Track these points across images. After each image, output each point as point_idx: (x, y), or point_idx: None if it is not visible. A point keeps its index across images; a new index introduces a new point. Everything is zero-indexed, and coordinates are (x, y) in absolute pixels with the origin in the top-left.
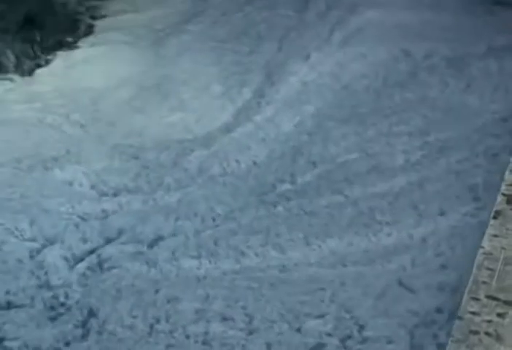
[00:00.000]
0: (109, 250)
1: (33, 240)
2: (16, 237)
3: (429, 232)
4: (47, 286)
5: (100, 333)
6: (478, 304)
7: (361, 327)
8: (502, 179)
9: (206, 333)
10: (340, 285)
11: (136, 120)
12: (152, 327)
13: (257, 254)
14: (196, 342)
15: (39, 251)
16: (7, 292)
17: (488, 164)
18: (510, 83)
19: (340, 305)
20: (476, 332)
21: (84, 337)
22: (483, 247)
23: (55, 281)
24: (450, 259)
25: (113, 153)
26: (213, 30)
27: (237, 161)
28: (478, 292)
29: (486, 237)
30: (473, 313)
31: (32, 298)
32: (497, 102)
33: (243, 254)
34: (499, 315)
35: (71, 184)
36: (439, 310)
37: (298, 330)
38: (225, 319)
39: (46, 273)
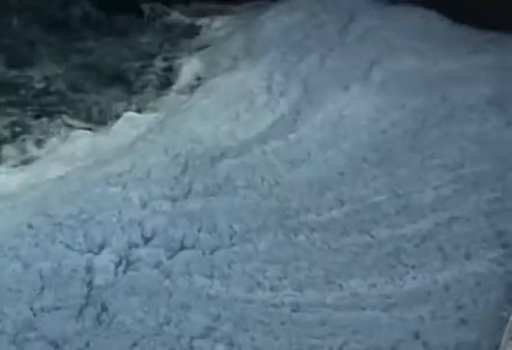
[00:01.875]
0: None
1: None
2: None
3: (453, 277)
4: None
5: (109, 324)
6: None
7: None
8: None
9: None
10: (352, 333)
11: (197, 128)
12: (161, 326)
13: (272, 288)
14: None
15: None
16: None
17: None
18: None
19: None
20: None
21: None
22: None
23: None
24: (470, 314)
25: (169, 164)
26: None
27: (262, 178)
28: None
29: None
30: None
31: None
32: None
33: (258, 284)
34: None
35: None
36: None
37: None
38: (231, 344)
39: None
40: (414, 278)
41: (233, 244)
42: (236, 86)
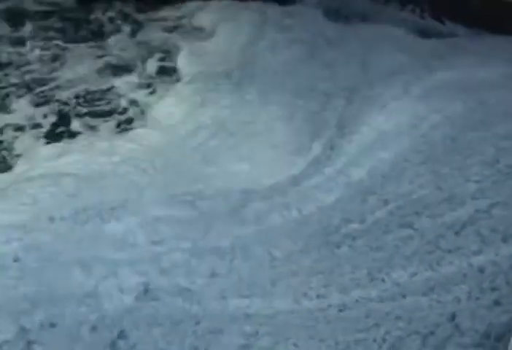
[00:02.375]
0: (160, 282)
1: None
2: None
3: (489, 260)
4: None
5: None
6: None
7: None
8: None
9: None
10: (395, 320)
11: (203, 167)
12: None
13: (318, 296)
14: None
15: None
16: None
17: None
18: None
19: (391, 345)
20: None
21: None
22: None
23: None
24: (504, 296)
25: (172, 201)
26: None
27: (299, 209)
28: None
29: None
30: None
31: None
32: None
33: (304, 294)
34: None
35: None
36: None
37: None
38: None
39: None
40: (451, 262)
41: (274, 266)
42: (248, 125)
